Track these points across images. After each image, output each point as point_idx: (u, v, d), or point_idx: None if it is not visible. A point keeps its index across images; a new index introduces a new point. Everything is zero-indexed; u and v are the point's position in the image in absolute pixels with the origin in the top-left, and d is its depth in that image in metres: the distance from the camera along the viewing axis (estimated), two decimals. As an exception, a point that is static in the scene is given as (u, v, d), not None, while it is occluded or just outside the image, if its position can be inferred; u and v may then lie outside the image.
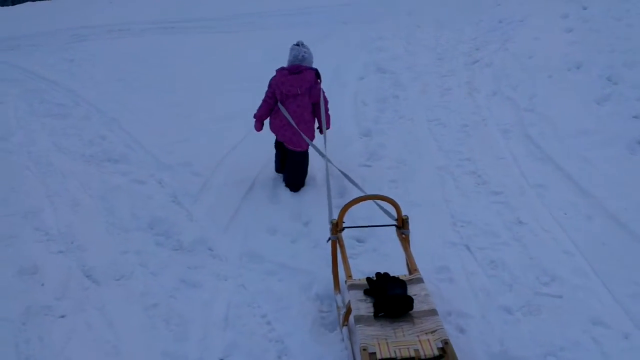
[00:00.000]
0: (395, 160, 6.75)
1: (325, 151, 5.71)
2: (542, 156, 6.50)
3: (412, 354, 3.25)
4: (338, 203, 5.44)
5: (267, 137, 6.32)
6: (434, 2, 13.54)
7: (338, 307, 4.39)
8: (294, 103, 5.90)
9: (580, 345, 3.95)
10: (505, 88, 8.38)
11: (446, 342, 3.31)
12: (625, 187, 5.64)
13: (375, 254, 5.07)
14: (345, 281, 4.00)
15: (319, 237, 5.21)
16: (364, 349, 3.29)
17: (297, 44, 6.00)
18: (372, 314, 3.61)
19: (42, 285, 4.67)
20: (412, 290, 3.79)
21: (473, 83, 8.88)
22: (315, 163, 6.35)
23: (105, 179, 6.47)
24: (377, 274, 3.96)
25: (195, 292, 4.68)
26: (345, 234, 5.04)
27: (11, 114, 8.56)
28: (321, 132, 6.03)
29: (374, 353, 3.27)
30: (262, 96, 6.11)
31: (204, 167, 6.66)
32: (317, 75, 5.95)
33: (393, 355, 3.25)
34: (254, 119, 6.19)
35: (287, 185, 6.25)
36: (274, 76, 5.97)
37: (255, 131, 6.23)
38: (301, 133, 5.84)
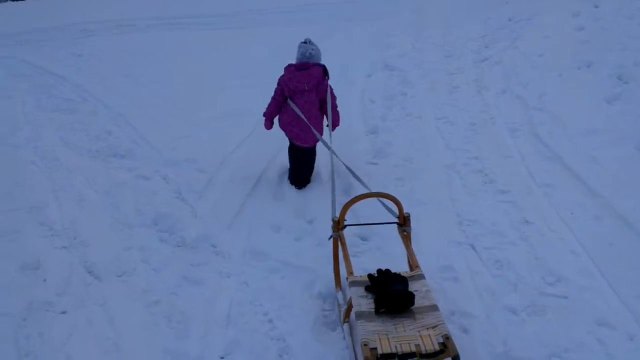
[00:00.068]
0: (401, 158, 6.70)
1: (331, 148, 5.67)
2: (550, 155, 6.43)
3: (413, 349, 3.25)
4: (343, 201, 5.33)
5: (273, 135, 6.29)
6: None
7: (339, 305, 4.39)
8: (301, 99, 5.88)
9: (584, 347, 3.91)
10: (514, 86, 8.31)
11: (447, 337, 3.30)
12: (634, 187, 5.56)
13: (380, 253, 5.03)
14: (347, 278, 3.99)
15: (323, 235, 5.16)
16: (365, 344, 3.29)
17: (305, 42, 5.97)
18: (373, 310, 3.61)
19: (44, 280, 4.67)
20: (413, 287, 3.79)
21: (482, 81, 8.82)
22: (321, 160, 6.33)
23: (111, 175, 6.47)
24: (379, 270, 3.96)
25: (197, 289, 4.66)
26: (349, 232, 5.03)
27: (19, 108, 8.58)
28: (331, 128, 6.00)
29: (375, 348, 3.27)
30: (267, 93, 6.09)
31: (209, 163, 6.64)
32: (325, 71, 5.93)
33: (394, 350, 3.25)
34: (264, 117, 6.17)
35: (292, 183, 6.22)
36: (283, 74, 5.95)
37: (265, 129, 6.19)
38: (310, 127, 5.81)
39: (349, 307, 3.99)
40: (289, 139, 6.17)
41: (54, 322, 4.23)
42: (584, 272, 4.59)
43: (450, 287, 4.52)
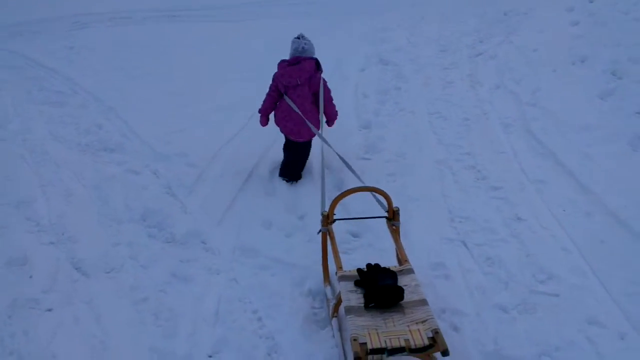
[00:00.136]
0: (394, 153, 6.66)
1: (323, 143, 5.64)
2: (543, 151, 6.40)
3: (403, 343, 3.26)
4: (334, 196, 5.30)
5: (265, 130, 6.25)
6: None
7: (327, 299, 4.38)
8: (294, 94, 5.85)
9: (575, 345, 3.89)
10: (508, 81, 8.27)
11: (436, 332, 3.31)
12: (626, 184, 5.54)
13: (371, 249, 4.99)
14: (336, 272, 3.98)
15: (314, 231, 5.11)
16: (355, 339, 3.28)
17: (298, 37, 5.97)
18: (362, 305, 3.61)
19: (31, 277, 4.60)
20: (402, 281, 3.79)
21: (476, 76, 8.77)
22: (313, 155, 6.27)
23: (100, 169, 6.40)
24: (368, 265, 3.95)
25: (186, 286, 4.61)
26: (340, 229, 5.02)
27: (9, 101, 8.47)
28: (328, 123, 6.08)
29: (365, 343, 3.26)
30: (263, 87, 6.06)
31: (200, 158, 6.58)
32: (317, 65, 5.90)
33: (383, 345, 3.25)
34: (259, 114, 6.18)
35: (281, 175, 6.18)
36: (277, 70, 5.95)
37: (259, 125, 6.16)
38: (306, 121, 5.78)
39: (338, 301, 3.99)
40: (283, 134, 6.14)
41: (40, 320, 4.17)
42: (575, 269, 4.57)
43: (441, 285, 4.49)
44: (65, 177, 6.18)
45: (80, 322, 4.16)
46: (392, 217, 4.34)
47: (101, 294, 4.46)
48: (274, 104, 6.06)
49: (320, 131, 5.83)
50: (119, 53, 10.87)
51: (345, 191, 4.35)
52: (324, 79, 5.96)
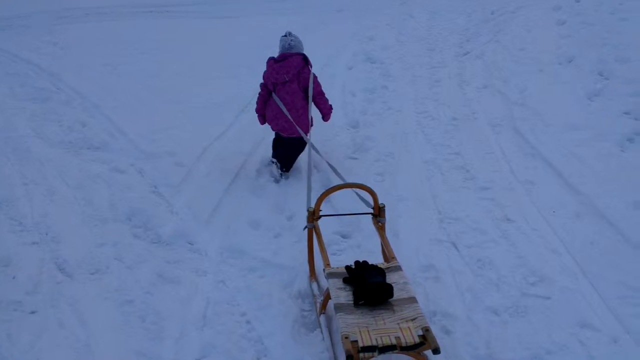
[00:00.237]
0: (382, 153, 6.62)
1: (310, 139, 5.71)
2: (531, 151, 6.39)
3: (394, 341, 3.24)
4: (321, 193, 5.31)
5: (253, 128, 6.18)
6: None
7: (314, 295, 4.36)
8: (283, 90, 5.84)
9: (567, 349, 3.87)
10: (495, 81, 8.27)
11: (427, 330, 3.30)
12: (616, 185, 5.53)
13: (360, 250, 4.95)
14: (324, 269, 3.96)
15: (302, 231, 5.05)
16: (346, 337, 3.26)
17: (285, 34, 5.98)
18: (352, 302, 3.58)
19: (14, 278, 4.48)
20: (390, 278, 3.78)
21: (463, 75, 8.76)
22: (301, 155, 6.20)
23: (84, 167, 6.27)
24: (356, 262, 3.93)
25: (172, 288, 4.52)
26: (329, 229, 4.98)
27: (-10, 98, 8.33)
28: (324, 118, 6.15)
29: (356, 341, 3.24)
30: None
31: (186, 156, 6.48)
32: (305, 60, 5.88)
33: (374, 343, 3.23)
34: (257, 114, 6.19)
35: (275, 157, 6.18)
36: (266, 69, 5.94)
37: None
38: (296, 126, 5.76)
39: (326, 298, 3.97)
40: (275, 132, 6.11)
41: (23, 323, 4.06)
42: (566, 272, 4.55)
43: (432, 287, 4.45)
44: (48, 176, 6.05)
45: (65, 325, 4.06)
46: (378, 213, 4.34)
47: (86, 296, 4.35)
48: (264, 103, 6.05)
49: (310, 128, 5.86)
50: (105, 49, 10.71)
51: (331, 187, 4.36)
52: (314, 74, 5.93)
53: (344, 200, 5.00)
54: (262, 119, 6.16)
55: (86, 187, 5.88)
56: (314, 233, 4.35)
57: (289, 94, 5.82)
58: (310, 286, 4.50)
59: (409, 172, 6.22)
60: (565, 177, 5.80)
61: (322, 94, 6.01)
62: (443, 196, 5.75)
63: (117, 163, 6.34)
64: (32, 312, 4.16)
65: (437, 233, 5.18)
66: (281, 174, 6.10)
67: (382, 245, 4.31)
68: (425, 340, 3.24)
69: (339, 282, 3.77)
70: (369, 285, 3.58)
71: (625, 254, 4.69)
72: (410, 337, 3.26)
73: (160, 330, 4.07)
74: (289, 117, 5.78)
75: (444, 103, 7.91)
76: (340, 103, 7.86)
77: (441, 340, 3.77)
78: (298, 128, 5.77)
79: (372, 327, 3.36)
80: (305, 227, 4.42)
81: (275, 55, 5.95)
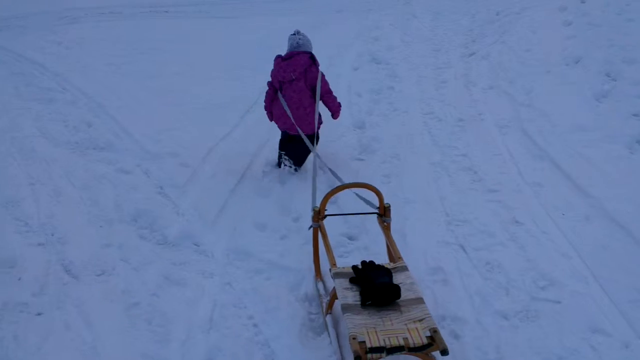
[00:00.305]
0: (388, 154, 6.59)
1: (317, 136, 5.76)
2: (539, 153, 6.36)
3: (401, 342, 3.22)
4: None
5: (258, 128, 6.15)
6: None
7: (320, 295, 4.33)
8: (290, 89, 5.84)
9: (579, 354, 3.80)
10: (502, 82, 8.24)
11: (435, 331, 3.27)
12: (625, 188, 5.50)
13: (367, 252, 4.89)
14: (330, 269, 3.93)
15: (309, 233, 5.01)
16: (354, 338, 3.23)
17: (294, 33, 5.98)
18: (359, 303, 3.55)
19: (19, 279, 4.44)
20: (397, 279, 3.75)
21: (469, 76, 8.73)
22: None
23: (90, 168, 6.24)
24: (363, 262, 3.91)
25: (179, 290, 4.47)
26: (336, 231, 4.95)
27: (-5, 97, 8.31)
28: (333, 116, 6.13)
29: (364, 342, 3.21)
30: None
31: (192, 157, 6.45)
32: (312, 58, 5.87)
33: (382, 344, 3.20)
34: (265, 111, 6.22)
35: (284, 153, 6.17)
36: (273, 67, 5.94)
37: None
38: (294, 124, 5.78)
39: (332, 298, 3.95)
40: (282, 130, 6.10)
41: (29, 324, 4.02)
42: (576, 275, 4.49)
43: (440, 290, 4.40)
44: (54, 176, 6.02)
45: (71, 327, 4.02)
46: (384, 213, 4.33)
47: (92, 298, 4.31)
48: (272, 101, 6.06)
49: (320, 125, 5.90)
50: (108, 49, 10.73)
51: (336, 187, 4.34)
52: (322, 73, 5.91)
53: (350, 200, 4.96)
54: (271, 116, 6.16)
55: (92, 187, 5.85)
56: (319, 233, 4.33)
57: (296, 92, 5.82)
58: (316, 286, 4.47)
59: (416, 174, 6.18)
60: (573, 179, 5.76)
61: (330, 92, 6.00)
62: (450, 198, 5.71)
63: (123, 163, 6.31)
64: (38, 314, 4.12)
65: (444, 235, 5.13)
66: (295, 169, 6.09)
67: (387, 245, 4.29)
68: (433, 341, 3.22)
69: (345, 282, 3.75)
70: (377, 286, 3.56)
71: (636, 257, 4.64)
72: (418, 337, 3.24)
73: (166, 333, 4.03)
74: (291, 117, 5.79)
75: (450, 104, 7.88)
76: (346, 104, 7.83)
77: (450, 344, 3.73)
78: (299, 129, 5.78)
79: (379, 328, 3.33)
80: (311, 226, 4.40)
81: (283, 53, 5.95)
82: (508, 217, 5.32)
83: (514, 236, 5.04)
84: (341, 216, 5.02)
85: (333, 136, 6.66)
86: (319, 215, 4.30)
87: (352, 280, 3.75)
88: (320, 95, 5.89)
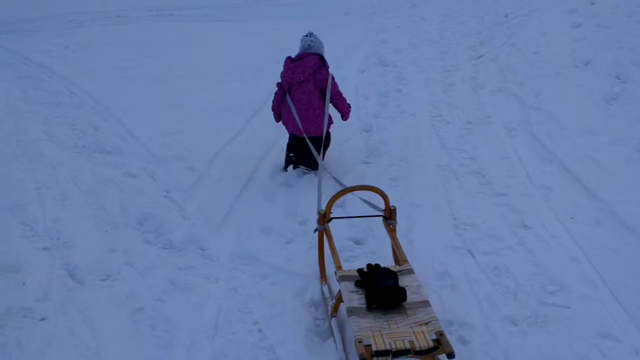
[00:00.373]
0: (396, 157, 6.54)
1: (329, 137, 5.79)
2: (548, 156, 6.30)
3: (407, 345, 3.19)
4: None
5: (264, 132, 6.12)
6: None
7: (325, 298, 4.30)
8: (299, 90, 5.82)
9: (588, 360, 3.75)
10: (510, 84, 8.18)
11: (441, 334, 3.24)
12: (635, 191, 5.43)
13: (374, 257, 4.83)
14: (335, 272, 3.91)
15: (315, 237, 4.97)
16: (359, 341, 3.20)
17: (307, 34, 6.00)
18: (364, 306, 3.52)
19: (24, 284, 4.41)
20: (403, 282, 3.71)
21: (477, 78, 8.67)
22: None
23: (96, 171, 6.22)
24: (368, 265, 3.87)
25: (184, 295, 4.44)
26: (342, 235, 4.91)
27: (2, 101, 8.27)
28: (343, 117, 6.11)
29: (369, 345, 3.18)
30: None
31: (198, 161, 6.43)
32: (322, 60, 5.86)
33: (388, 347, 3.17)
34: (272, 112, 6.19)
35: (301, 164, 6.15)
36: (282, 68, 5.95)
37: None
38: (300, 128, 5.77)
39: (338, 301, 3.91)
40: (291, 133, 6.09)
41: (33, 330, 3.99)
42: (586, 280, 4.43)
43: (448, 296, 4.34)
44: (60, 180, 6.00)
45: (75, 333, 3.99)
46: (389, 216, 4.29)
47: (96, 303, 4.27)
48: (280, 102, 6.04)
49: (330, 126, 5.92)
50: (115, 52, 10.74)
51: (342, 190, 4.30)
52: (332, 75, 5.89)
53: (356, 204, 4.92)
54: (277, 117, 6.14)
55: (98, 191, 5.82)
56: (324, 236, 4.30)
57: (305, 93, 5.79)
58: (322, 289, 4.43)
59: (423, 177, 6.14)
60: (583, 183, 5.70)
61: (340, 94, 5.97)
62: (458, 202, 5.66)
63: (129, 167, 6.29)
64: (42, 319, 4.09)
65: (452, 240, 5.08)
66: (315, 173, 6.04)
67: (393, 248, 4.26)
68: (440, 345, 3.18)
69: (351, 285, 3.72)
70: (382, 289, 3.52)
71: (647, 263, 4.58)
72: (424, 341, 3.21)
73: (171, 339, 4.00)
74: (298, 122, 5.76)
75: (458, 107, 7.83)
76: (354, 106, 7.74)
77: (458, 350, 3.67)
78: (304, 133, 5.76)
79: (385, 331, 3.30)
80: (316, 229, 4.36)
81: (293, 55, 5.94)
82: (517, 221, 5.26)
83: (523, 240, 4.98)
84: (348, 221, 5.00)
85: (340, 139, 6.62)
86: (324, 218, 4.27)
87: (358, 284, 3.72)
88: (330, 97, 5.85)
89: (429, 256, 4.79)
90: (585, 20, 9.29)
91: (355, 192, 4.43)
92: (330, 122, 5.97)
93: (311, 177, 6.07)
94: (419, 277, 3.82)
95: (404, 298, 3.51)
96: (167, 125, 7.33)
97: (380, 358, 3.13)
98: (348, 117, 6.15)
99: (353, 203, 5.10)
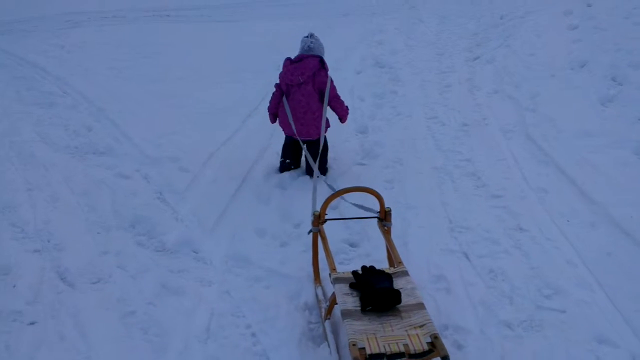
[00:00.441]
0: (391, 159, 6.50)
1: (325, 141, 5.75)
2: (544, 158, 6.26)
3: (402, 348, 3.16)
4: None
5: (259, 133, 6.07)
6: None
7: (319, 300, 4.26)
8: (298, 92, 5.77)
9: (585, 366, 3.71)
10: (506, 86, 8.15)
11: (435, 337, 3.21)
12: (631, 194, 5.39)
13: (369, 260, 4.75)
14: (330, 274, 3.87)
15: (309, 240, 4.92)
16: (354, 344, 3.17)
17: (307, 36, 5.94)
18: (359, 308, 3.49)
19: (14, 287, 4.36)
20: (397, 284, 3.69)
21: (473, 80, 8.64)
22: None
23: (89, 173, 6.16)
24: (363, 267, 3.84)
25: (176, 298, 4.38)
26: (337, 238, 4.87)
27: (-3, 102, 8.25)
28: (341, 120, 6.12)
29: (364, 348, 3.15)
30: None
31: (192, 162, 6.37)
32: (322, 62, 5.81)
33: (382, 351, 3.15)
34: (268, 112, 6.14)
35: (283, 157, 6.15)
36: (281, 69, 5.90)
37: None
38: (294, 132, 5.73)
39: (332, 304, 3.87)
40: (288, 136, 6.04)
41: (22, 334, 3.94)
42: (582, 284, 4.39)
43: (443, 299, 4.30)
44: (52, 181, 5.94)
45: (65, 337, 3.93)
46: (384, 217, 4.27)
47: (87, 307, 4.21)
48: (277, 104, 5.99)
49: (327, 129, 5.87)
50: (110, 53, 10.68)
51: (337, 191, 4.28)
52: (331, 78, 5.85)
53: (351, 205, 4.87)
54: (273, 118, 6.10)
55: (90, 193, 5.76)
56: (319, 237, 4.27)
57: (304, 95, 5.75)
58: (315, 291, 4.40)
59: (419, 179, 6.10)
60: (579, 185, 5.66)
61: (338, 96, 5.94)
62: (454, 204, 5.61)
63: (122, 168, 6.23)
64: (32, 323, 4.04)
65: (447, 242, 5.03)
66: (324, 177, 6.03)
67: (387, 249, 4.23)
68: (434, 348, 3.15)
69: (345, 288, 3.69)
70: (377, 291, 3.50)
71: (643, 266, 4.54)
72: (419, 344, 3.18)
73: (162, 343, 3.94)
74: (293, 126, 5.74)
75: (454, 108, 7.80)
76: (349, 108, 7.72)
77: (453, 355, 3.63)
78: (298, 137, 5.74)
79: (379, 334, 3.27)
80: (310, 231, 4.33)
81: (293, 56, 5.89)
82: (512, 224, 5.22)
83: (518, 243, 4.94)
84: (342, 223, 4.96)
85: (335, 141, 6.57)
86: (319, 220, 4.25)
87: (352, 286, 3.68)
88: (328, 100, 5.81)
89: (424, 259, 4.75)
90: (581, 22, 9.28)
91: (347, 197, 4.42)
92: (328, 125, 5.93)
93: (305, 179, 6.03)
94: (413, 279, 3.79)
95: (399, 300, 3.48)
96: (163, 126, 7.27)
97: None
98: (346, 119, 6.11)
99: (348, 204, 5.04)
